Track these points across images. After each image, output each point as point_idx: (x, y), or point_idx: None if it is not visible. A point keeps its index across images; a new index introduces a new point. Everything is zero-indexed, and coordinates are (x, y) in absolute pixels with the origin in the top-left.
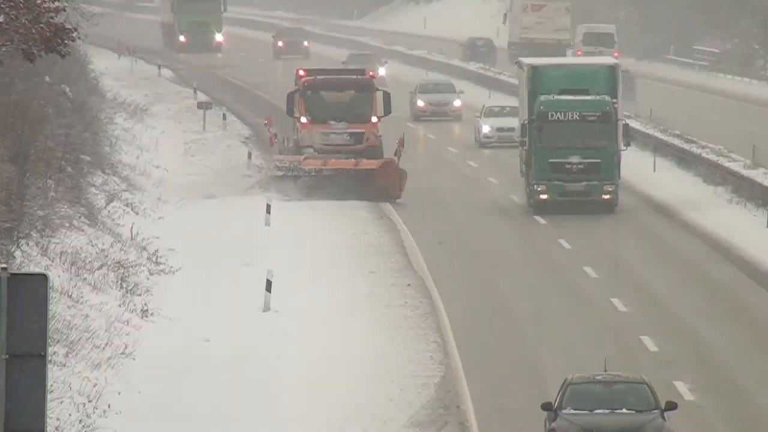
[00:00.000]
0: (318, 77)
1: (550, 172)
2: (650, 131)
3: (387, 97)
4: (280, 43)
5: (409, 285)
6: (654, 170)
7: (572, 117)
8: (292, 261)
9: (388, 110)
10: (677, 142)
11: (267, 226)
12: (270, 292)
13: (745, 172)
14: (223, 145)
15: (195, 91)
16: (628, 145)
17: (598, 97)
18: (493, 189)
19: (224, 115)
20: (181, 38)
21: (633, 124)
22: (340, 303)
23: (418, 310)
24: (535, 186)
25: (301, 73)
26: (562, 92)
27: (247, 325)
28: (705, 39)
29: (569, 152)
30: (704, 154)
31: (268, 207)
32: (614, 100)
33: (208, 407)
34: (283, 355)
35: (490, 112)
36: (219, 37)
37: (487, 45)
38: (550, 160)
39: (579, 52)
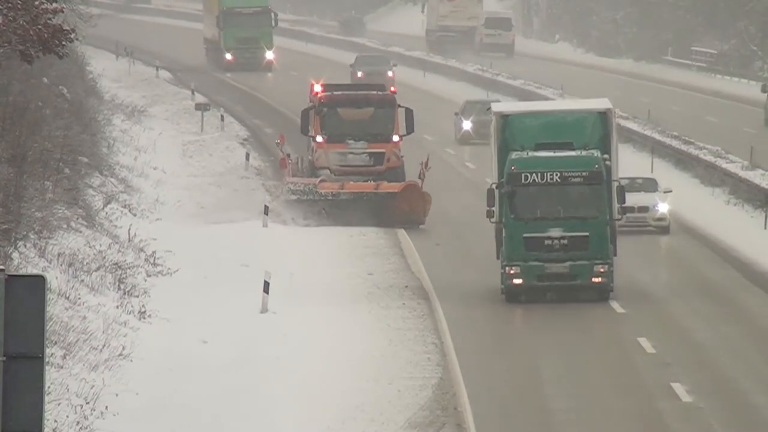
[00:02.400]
0: (335, 93)
1: (525, 250)
2: (648, 132)
3: (410, 114)
4: (359, 74)
5: (406, 286)
6: (652, 171)
7: (552, 179)
8: (290, 262)
9: (410, 128)
10: (675, 143)
11: (264, 227)
12: (267, 293)
13: (743, 173)
14: (221, 146)
15: (193, 93)
16: (624, 213)
17: (584, 153)
18: None
19: (222, 116)
20: (228, 56)
21: (631, 125)
22: (338, 304)
23: (416, 311)
24: (507, 268)
25: (317, 88)
26: (539, 147)
27: (245, 327)
28: (703, 40)
29: (549, 224)
30: (702, 155)
31: (266, 208)
32: (605, 156)
33: (206, 408)
34: (281, 356)
35: (471, 109)
36: (270, 55)
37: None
38: (525, 235)
39: (481, 36)
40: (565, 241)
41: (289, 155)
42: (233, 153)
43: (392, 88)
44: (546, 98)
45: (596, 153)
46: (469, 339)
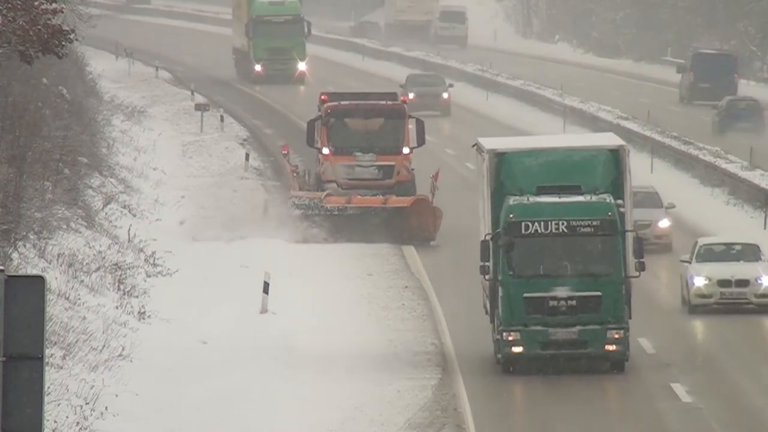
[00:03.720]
0: (342, 102)
1: (525, 313)
2: (648, 133)
3: (421, 125)
4: (411, 95)
5: (406, 287)
6: (651, 171)
7: (557, 229)
8: (290, 263)
9: (421, 140)
10: (675, 143)
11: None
12: (267, 293)
13: (743, 174)
14: (220, 146)
15: (192, 93)
16: (642, 269)
17: (595, 198)
18: None
19: (222, 116)
20: (257, 67)
21: (630, 125)
22: (338, 305)
23: (416, 312)
24: (505, 334)
25: (324, 97)
26: (541, 191)
27: (245, 327)
28: (702, 41)
29: (554, 282)
30: (702, 156)
31: (266, 209)
32: (619, 202)
33: (206, 409)
34: (280, 356)
35: (708, 254)
36: (302, 66)
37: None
38: (526, 295)
39: (436, 29)
40: (574, 302)
41: (296, 167)
42: (233, 153)
43: (402, 97)
44: (546, 98)
45: (608, 198)
46: (468, 340)
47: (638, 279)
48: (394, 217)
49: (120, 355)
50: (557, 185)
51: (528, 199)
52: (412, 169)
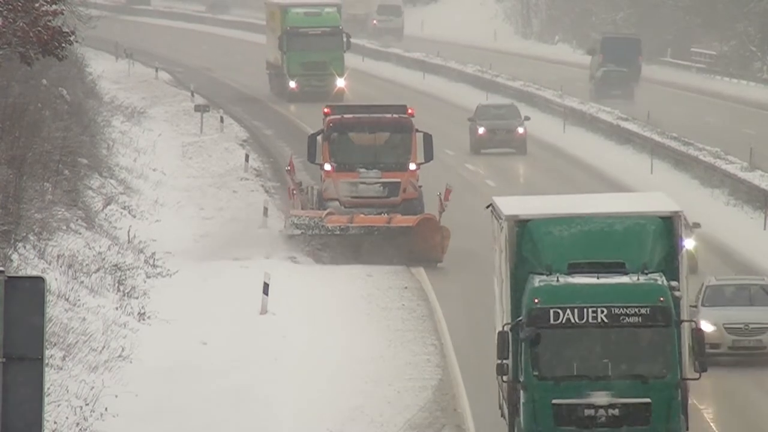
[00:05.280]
0: (345, 116)
1: (554, 425)
2: (648, 133)
3: (429, 139)
4: (481, 130)
5: (406, 288)
6: (651, 172)
7: (595, 318)
8: (290, 264)
9: (429, 156)
10: (674, 144)
11: (265, 228)
12: (267, 294)
13: (743, 175)
14: (220, 147)
15: (192, 94)
16: (703, 369)
17: (643, 279)
18: (491, 192)
19: (222, 117)
20: (291, 84)
21: (630, 126)
22: (338, 305)
23: (416, 312)
24: None
25: (327, 111)
26: (574, 269)
27: (244, 328)
28: (702, 41)
29: (591, 386)
30: (702, 157)
31: (265, 210)
32: (673, 284)
33: (205, 410)
34: (280, 357)
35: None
36: (341, 83)
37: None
38: (556, 401)
39: (374, 22)
40: (616, 412)
41: (300, 184)
42: (232, 154)
43: (409, 110)
44: (546, 99)
45: (660, 279)
46: (468, 340)
47: None
48: (399, 237)
49: (120, 356)
50: (595, 262)
51: (558, 280)
52: (420, 186)
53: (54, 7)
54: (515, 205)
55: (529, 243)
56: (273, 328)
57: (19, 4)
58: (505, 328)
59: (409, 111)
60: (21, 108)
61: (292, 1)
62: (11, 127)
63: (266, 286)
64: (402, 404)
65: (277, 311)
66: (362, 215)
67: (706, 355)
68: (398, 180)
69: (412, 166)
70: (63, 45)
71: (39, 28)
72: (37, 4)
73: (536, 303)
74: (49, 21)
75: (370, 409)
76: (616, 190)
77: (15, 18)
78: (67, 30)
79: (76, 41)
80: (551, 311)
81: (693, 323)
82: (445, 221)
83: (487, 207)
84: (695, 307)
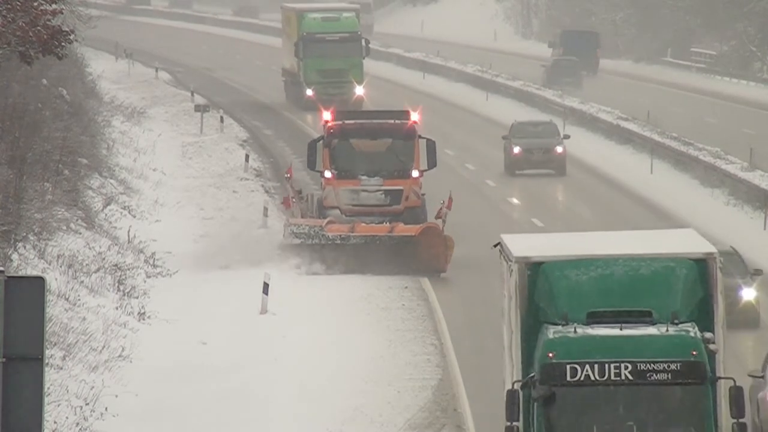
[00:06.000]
0: (346, 122)
1: None
2: (647, 133)
3: (432, 146)
4: (516, 149)
5: (406, 287)
6: (651, 172)
7: (618, 374)
8: (290, 264)
9: (432, 162)
10: (674, 144)
11: (265, 228)
12: (267, 294)
13: (743, 174)
14: (220, 147)
15: (192, 94)
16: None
17: (673, 331)
18: (490, 192)
19: (222, 117)
20: (308, 92)
21: (630, 126)
22: (338, 305)
23: (416, 312)
24: None
25: (327, 116)
26: (593, 319)
27: (244, 328)
28: (702, 41)
29: None
30: (701, 156)
31: (265, 210)
32: (708, 336)
33: (205, 410)
34: (280, 357)
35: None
36: (359, 90)
37: None
38: None
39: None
40: None
41: (300, 192)
42: (232, 154)
43: (415, 111)
44: (546, 99)
45: (692, 330)
46: (468, 340)
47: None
48: (401, 246)
49: (120, 356)
50: (618, 310)
51: (575, 331)
52: (423, 194)
53: (53, 6)
54: (526, 245)
55: (542, 288)
56: (273, 328)
57: (19, 3)
58: (516, 386)
59: (415, 112)
60: (21, 108)
61: (310, 6)
62: (11, 127)
63: (266, 285)
64: (402, 404)
65: (277, 311)
66: (363, 224)
67: (744, 416)
68: (401, 188)
69: (415, 174)
70: (63, 44)
71: (39, 28)
72: (36, 4)
73: (551, 357)
74: (49, 20)
75: (370, 409)
76: (615, 189)
77: (15, 17)
78: (66, 29)
79: (76, 41)
80: (568, 367)
81: (733, 381)
82: (448, 230)
83: (495, 246)
84: (762, 377)
